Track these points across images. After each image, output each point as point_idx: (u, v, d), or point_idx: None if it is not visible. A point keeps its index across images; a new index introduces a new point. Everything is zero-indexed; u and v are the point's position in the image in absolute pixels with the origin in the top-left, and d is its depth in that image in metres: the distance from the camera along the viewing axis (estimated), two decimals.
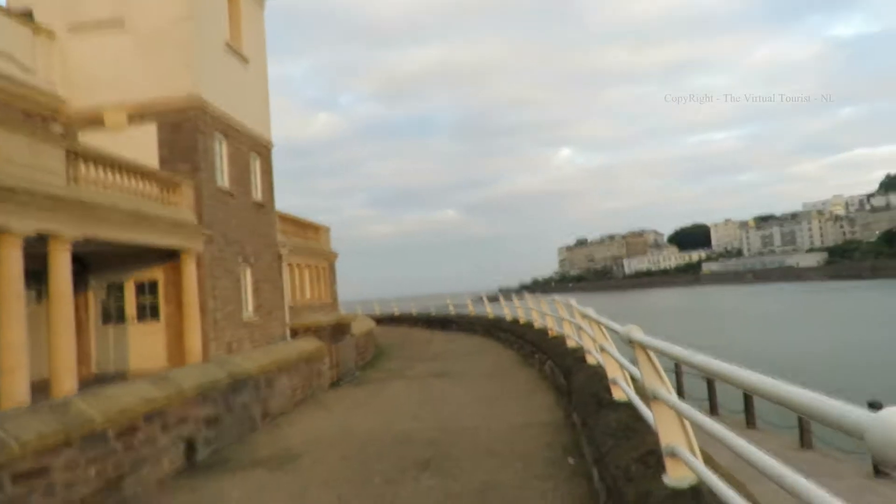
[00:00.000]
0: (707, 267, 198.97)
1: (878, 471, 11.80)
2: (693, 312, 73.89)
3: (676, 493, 3.18)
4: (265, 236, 19.60)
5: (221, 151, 17.01)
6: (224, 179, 17.03)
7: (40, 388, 9.56)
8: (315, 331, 12.13)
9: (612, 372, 5.93)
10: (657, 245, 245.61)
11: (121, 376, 15.12)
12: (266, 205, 19.91)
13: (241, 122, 17.97)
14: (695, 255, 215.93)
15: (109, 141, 15.07)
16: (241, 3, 18.75)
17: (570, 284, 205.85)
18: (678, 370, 16.56)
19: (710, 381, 15.70)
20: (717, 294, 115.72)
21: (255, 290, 18.43)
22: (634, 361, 3.91)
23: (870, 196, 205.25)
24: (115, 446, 6.12)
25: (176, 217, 14.47)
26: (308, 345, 11.50)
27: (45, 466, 5.32)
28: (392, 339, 24.66)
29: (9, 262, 8.58)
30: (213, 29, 16.95)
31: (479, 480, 6.51)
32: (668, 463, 3.38)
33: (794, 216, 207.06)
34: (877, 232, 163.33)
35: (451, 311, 32.98)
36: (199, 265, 15.29)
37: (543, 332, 15.07)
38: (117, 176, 12.84)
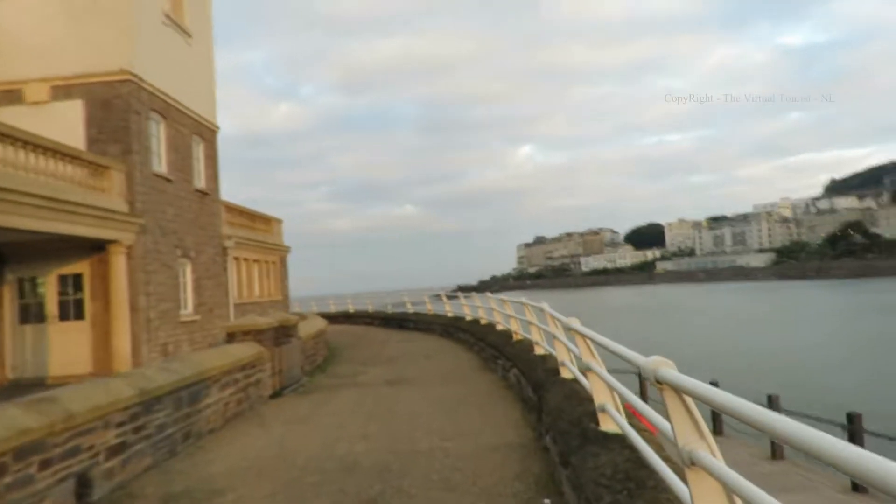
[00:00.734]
0: (661, 266, 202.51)
1: (857, 486, 11.30)
2: (644, 309, 77.89)
3: None
4: (208, 227, 18.10)
5: (159, 133, 15.48)
6: (161, 164, 15.51)
7: None
8: (255, 334, 10.86)
9: (601, 398, 4.95)
10: (613, 243, 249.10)
11: (39, 383, 13.53)
12: (210, 193, 18.39)
13: (182, 101, 16.43)
14: (650, 254, 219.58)
15: (30, 118, 13.44)
16: None
17: (528, 282, 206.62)
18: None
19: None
20: (669, 292, 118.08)
21: (196, 287, 16.96)
22: (640, 394, 2.95)
23: (815, 199, 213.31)
24: None
25: (103, 204, 12.95)
26: (245, 350, 10.24)
27: None
28: (346, 340, 23.39)
29: None
30: None
31: None
32: None
33: (744, 217, 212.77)
34: (822, 234, 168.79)
35: (409, 309, 31.87)
36: (129, 258, 13.80)
37: (507, 334, 14.13)
38: (32, 157, 11.31)
